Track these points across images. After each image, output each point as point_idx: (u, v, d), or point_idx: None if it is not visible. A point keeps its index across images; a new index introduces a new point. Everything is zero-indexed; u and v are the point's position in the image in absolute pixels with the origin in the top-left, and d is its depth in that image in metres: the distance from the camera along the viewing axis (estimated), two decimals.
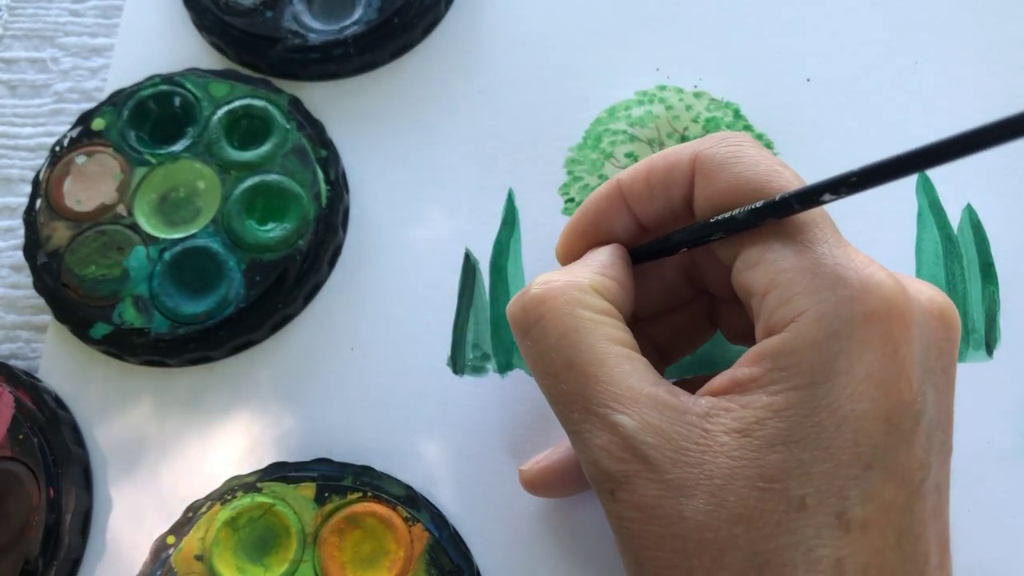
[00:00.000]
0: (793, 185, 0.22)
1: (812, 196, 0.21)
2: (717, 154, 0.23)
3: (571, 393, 0.22)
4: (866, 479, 0.20)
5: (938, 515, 0.21)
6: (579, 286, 0.23)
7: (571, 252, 0.27)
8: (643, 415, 0.21)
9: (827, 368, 0.20)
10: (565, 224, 0.27)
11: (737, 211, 0.22)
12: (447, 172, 0.34)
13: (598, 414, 0.22)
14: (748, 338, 0.26)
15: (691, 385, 0.23)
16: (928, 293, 0.22)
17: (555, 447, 0.28)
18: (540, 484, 0.28)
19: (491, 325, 0.32)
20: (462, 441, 0.30)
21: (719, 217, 0.23)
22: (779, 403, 0.20)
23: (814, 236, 0.21)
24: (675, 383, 0.27)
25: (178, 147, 0.33)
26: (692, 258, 0.27)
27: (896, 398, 0.20)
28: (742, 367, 0.21)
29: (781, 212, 0.22)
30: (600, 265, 0.25)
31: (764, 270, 0.22)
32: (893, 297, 0.20)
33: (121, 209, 0.32)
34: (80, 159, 0.33)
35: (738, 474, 0.20)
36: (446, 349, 0.32)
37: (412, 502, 0.29)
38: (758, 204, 0.22)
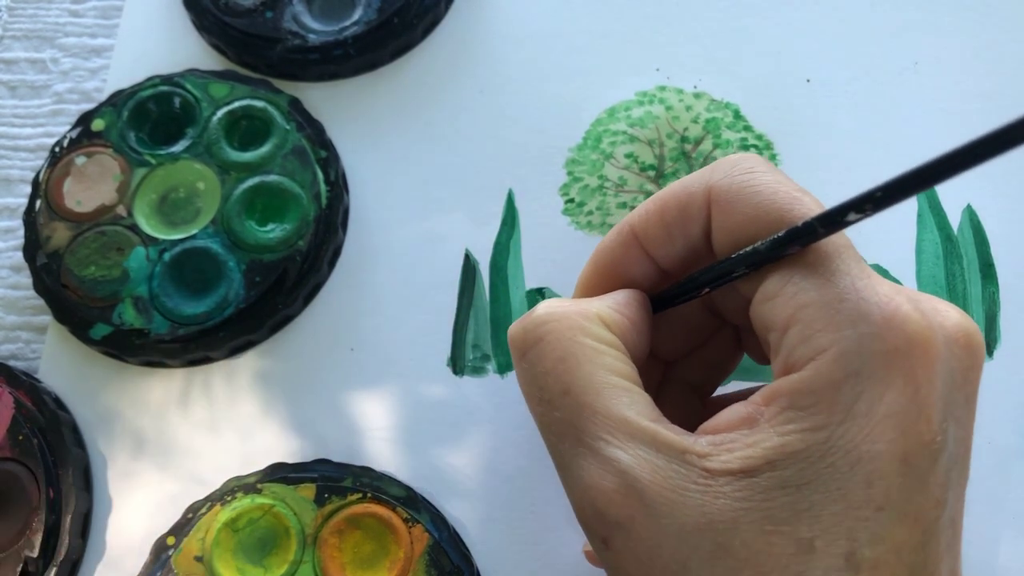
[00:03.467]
0: (814, 210, 0.21)
1: (836, 217, 0.20)
2: (732, 184, 0.22)
3: (564, 422, 0.21)
4: (877, 520, 0.19)
5: (951, 549, 0.20)
6: (585, 314, 0.22)
7: (590, 296, 0.25)
8: (639, 451, 0.20)
9: (846, 409, 0.19)
10: (579, 275, 0.26)
11: (760, 243, 0.21)
12: (447, 172, 0.34)
13: (591, 447, 0.20)
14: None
15: (722, 404, 0.22)
16: (954, 318, 0.21)
17: None
18: None
19: (491, 325, 0.32)
20: (462, 441, 0.30)
21: (742, 252, 0.22)
22: (793, 444, 0.19)
23: (836, 267, 0.20)
24: (714, 398, 0.27)
25: (178, 148, 0.33)
26: (710, 294, 0.26)
27: (915, 439, 0.19)
28: (754, 404, 0.20)
29: (805, 239, 0.20)
30: (612, 301, 0.24)
31: (784, 304, 0.21)
32: (917, 333, 0.19)
33: (121, 210, 0.32)
34: (80, 160, 0.33)
35: (743, 517, 0.19)
36: (446, 349, 0.32)
37: (412, 503, 0.29)
38: (780, 234, 0.21)
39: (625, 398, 0.21)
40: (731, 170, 0.22)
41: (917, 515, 0.19)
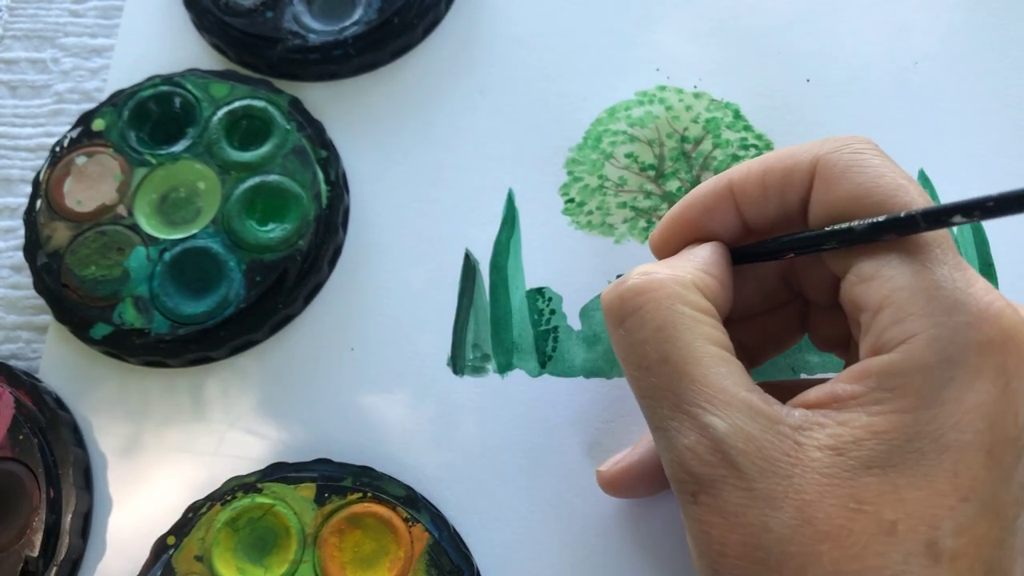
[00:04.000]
0: (918, 202, 0.21)
1: (941, 216, 0.20)
2: (840, 160, 0.22)
3: (662, 388, 0.22)
4: (961, 511, 0.19)
5: None
6: (682, 281, 0.23)
7: (669, 245, 0.26)
8: (736, 419, 0.21)
9: (935, 394, 0.19)
10: (666, 214, 0.26)
11: (856, 223, 0.21)
12: (447, 172, 0.34)
13: (689, 413, 0.21)
14: (837, 347, 0.26)
15: (773, 391, 0.22)
16: None
17: (633, 446, 0.28)
18: (620, 485, 0.27)
19: (491, 325, 0.32)
20: (462, 441, 0.30)
21: (836, 227, 0.22)
22: (880, 424, 0.20)
23: (935, 256, 0.21)
24: (763, 385, 0.27)
25: (178, 148, 0.33)
26: (793, 263, 0.26)
27: (1001, 432, 0.19)
28: (843, 383, 0.21)
29: (904, 229, 0.21)
30: (703, 262, 0.24)
31: (879, 286, 0.21)
32: (1012, 328, 0.20)
33: (121, 210, 0.32)
34: (80, 160, 0.33)
35: (829, 492, 0.19)
36: (446, 349, 0.32)
37: (412, 502, 0.29)
38: (880, 219, 0.21)
39: (723, 368, 0.21)
40: (842, 147, 0.23)
41: (998, 511, 0.19)
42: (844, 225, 0.22)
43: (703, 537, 0.21)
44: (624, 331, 0.23)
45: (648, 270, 0.23)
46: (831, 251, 0.22)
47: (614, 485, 0.28)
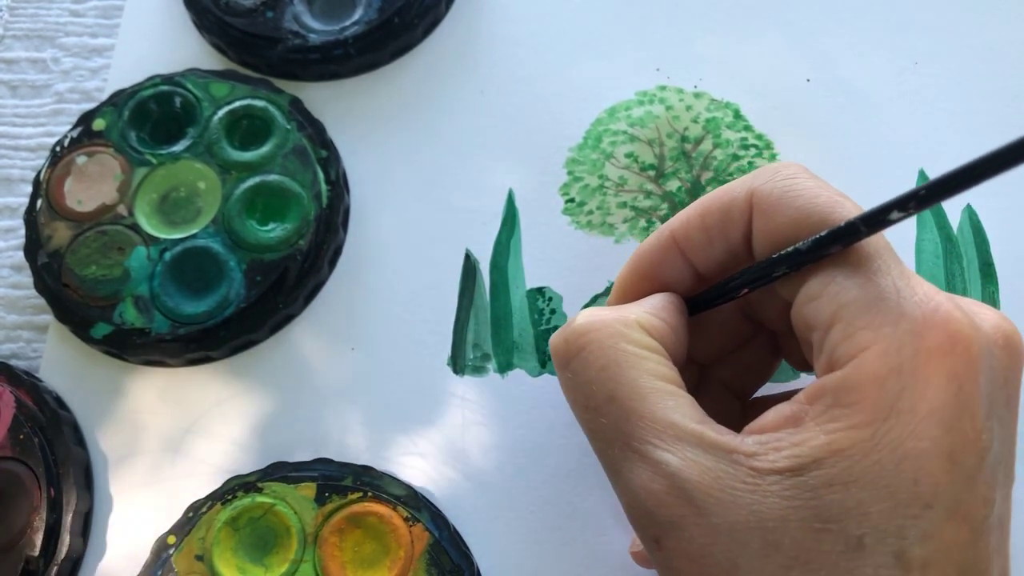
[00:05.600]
0: (855, 214, 0.21)
1: (879, 216, 0.20)
2: (775, 189, 0.22)
3: (611, 428, 0.22)
4: (926, 518, 0.19)
5: (1000, 549, 0.21)
6: (625, 321, 0.23)
7: (623, 302, 0.26)
8: (687, 453, 0.20)
9: (889, 405, 0.19)
10: (616, 276, 0.26)
11: (801, 244, 0.21)
12: (447, 172, 0.34)
13: (639, 451, 0.21)
14: (812, 367, 0.26)
15: (767, 404, 0.22)
16: (992, 320, 0.21)
17: None
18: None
19: (491, 325, 0.32)
20: (462, 441, 0.30)
21: (783, 252, 0.22)
22: (838, 441, 0.19)
23: (877, 268, 0.21)
24: (749, 405, 0.27)
25: (179, 147, 0.33)
26: (748, 297, 0.26)
27: (959, 436, 0.19)
28: (799, 403, 0.20)
29: (847, 238, 0.21)
30: (650, 306, 0.24)
31: (827, 303, 0.21)
32: (958, 331, 0.20)
33: (122, 209, 0.32)
34: (81, 159, 0.33)
35: (792, 515, 0.19)
36: (446, 349, 0.32)
37: (412, 502, 0.29)
38: (823, 233, 0.21)
39: (670, 401, 0.21)
40: (773, 176, 0.23)
41: (966, 514, 0.19)
42: (789, 249, 0.22)
43: None
44: (570, 373, 0.23)
45: (592, 312, 0.23)
46: (783, 278, 0.22)
47: (648, 561, 0.27)
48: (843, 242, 0.21)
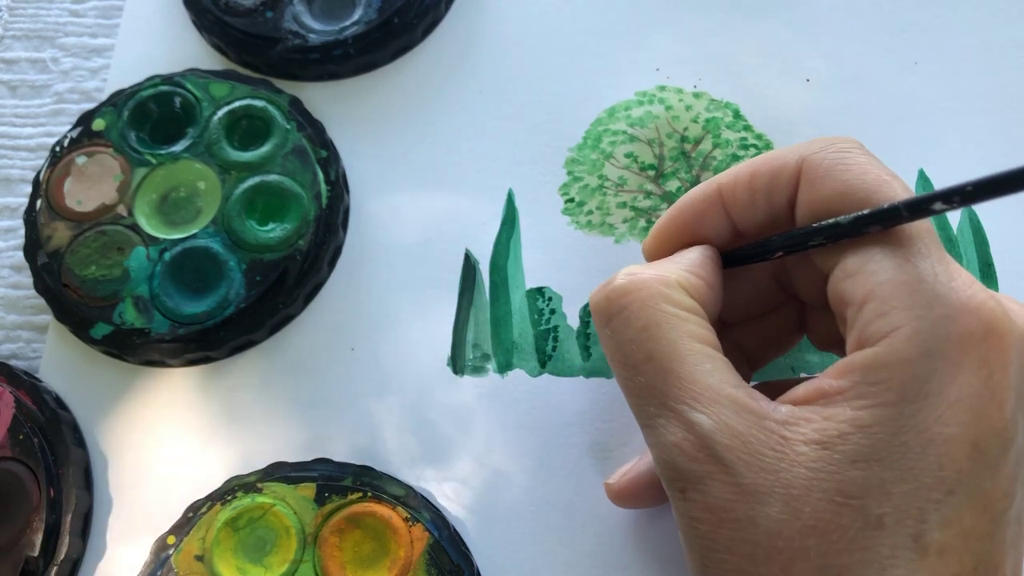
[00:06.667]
0: (901, 195, 0.21)
1: (923, 205, 0.20)
2: (825, 159, 0.23)
3: (648, 387, 0.22)
4: (947, 504, 0.19)
5: (1016, 544, 0.21)
6: (666, 280, 0.23)
7: (660, 251, 0.26)
8: (721, 415, 0.21)
9: (918, 387, 0.19)
10: (657, 221, 0.26)
11: (842, 217, 0.22)
12: (447, 172, 0.34)
13: (675, 410, 0.21)
14: (836, 346, 0.26)
15: (771, 390, 0.22)
16: None
17: (640, 457, 0.28)
18: (628, 496, 0.28)
19: (491, 325, 0.32)
20: (462, 441, 0.30)
21: (823, 223, 0.22)
22: (865, 418, 0.20)
23: (918, 250, 0.21)
24: (755, 386, 0.27)
25: (178, 147, 0.33)
26: (784, 264, 0.26)
27: (986, 424, 0.19)
28: (828, 378, 0.21)
29: (888, 221, 0.21)
30: (689, 263, 0.24)
31: (863, 281, 0.21)
32: (993, 320, 0.20)
33: (121, 209, 0.32)
34: (80, 159, 0.33)
35: (815, 486, 0.19)
36: (446, 349, 0.32)
37: (412, 502, 0.29)
38: (865, 211, 0.21)
39: (708, 364, 0.22)
40: (826, 147, 0.23)
41: (986, 503, 0.20)
42: (830, 220, 0.22)
43: (692, 532, 0.21)
44: (611, 331, 0.23)
45: (634, 271, 0.24)
46: (819, 249, 0.23)
47: (623, 496, 0.28)
48: (883, 223, 0.21)
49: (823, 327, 0.26)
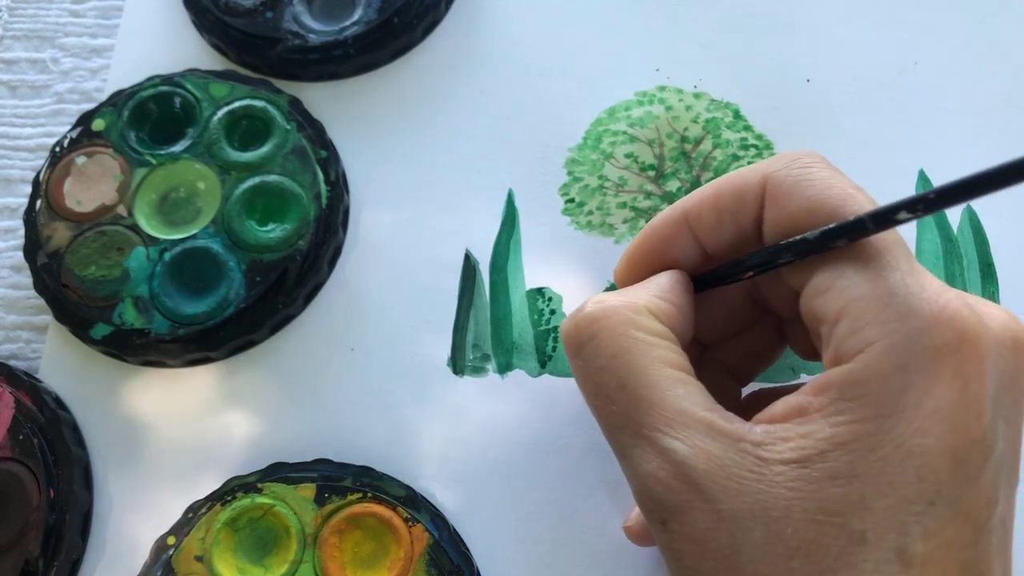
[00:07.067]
0: (867, 207, 0.21)
1: (887, 215, 0.20)
2: (788, 176, 0.22)
3: (622, 415, 0.22)
4: (929, 515, 0.19)
5: (1002, 549, 0.21)
6: (634, 307, 0.23)
7: (630, 277, 0.26)
8: (695, 440, 0.20)
9: (894, 401, 0.19)
10: (625, 248, 0.26)
11: (809, 233, 0.22)
12: (447, 172, 0.34)
13: (648, 438, 0.21)
14: (820, 356, 0.26)
15: (769, 396, 0.22)
16: (1002, 319, 0.21)
17: None
18: (647, 536, 0.27)
19: (491, 325, 0.32)
20: (462, 441, 0.30)
21: (790, 240, 0.22)
22: (843, 435, 0.20)
23: (887, 263, 0.21)
24: (752, 394, 0.27)
25: (178, 148, 0.33)
26: (756, 281, 0.26)
27: (964, 434, 0.19)
28: (805, 395, 0.21)
29: (855, 233, 0.21)
30: (658, 288, 0.24)
31: (835, 297, 0.21)
32: (966, 330, 0.20)
33: (121, 210, 0.32)
34: (80, 160, 0.33)
35: (796, 506, 0.19)
36: (446, 349, 0.32)
37: (412, 503, 0.29)
38: (831, 225, 0.21)
39: (680, 389, 0.21)
40: (789, 163, 0.23)
41: (968, 512, 0.19)
42: (797, 237, 0.22)
43: (677, 564, 0.21)
44: (581, 360, 0.23)
45: (602, 299, 0.23)
46: (789, 266, 0.22)
47: (642, 537, 0.27)
48: (850, 236, 0.21)
49: (803, 339, 0.26)
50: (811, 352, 0.26)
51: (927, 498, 0.19)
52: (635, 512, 0.28)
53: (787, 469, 0.20)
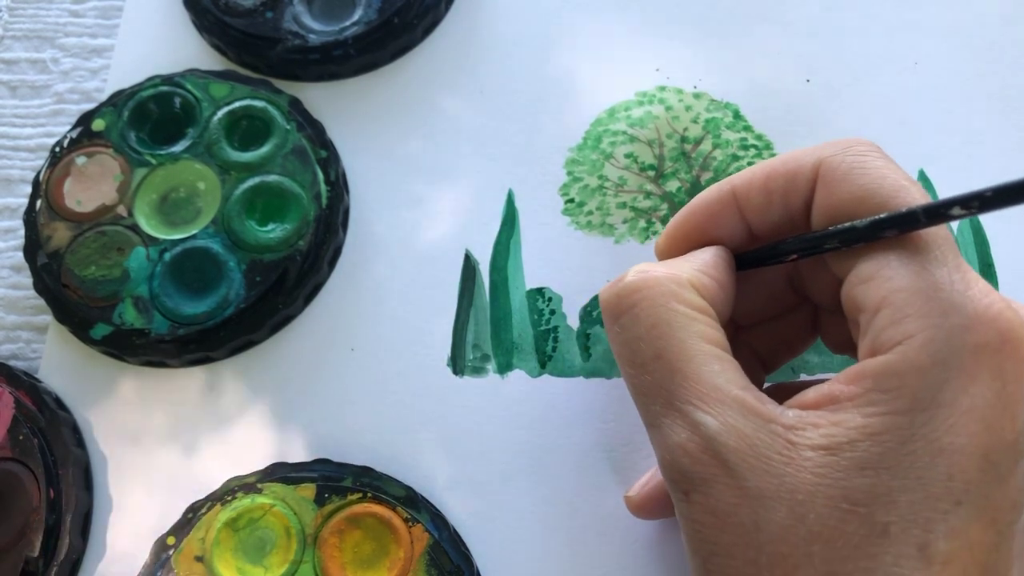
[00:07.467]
0: (919, 200, 0.21)
1: (941, 210, 0.20)
2: (843, 163, 0.22)
3: (655, 386, 0.22)
4: (955, 515, 0.19)
5: (1022, 554, 0.20)
6: (677, 279, 0.23)
7: (673, 250, 0.26)
8: (727, 417, 0.20)
9: (930, 396, 0.19)
10: (670, 221, 0.26)
11: (858, 221, 0.21)
12: (447, 172, 0.34)
13: (681, 410, 0.21)
14: (851, 349, 0.25)
15: (778, 393, 0.22)
16: None
17: (656, 467, 0.28)
18: (648, 507, 0.27)
19: (491, 325, 0.32)
20: (462, 441, 0.30)
21: (838, 227, 0.22)
22: (874, 426, 0.19)
23: (934, 257, 0.20)
24: (768, 388, 0.27)
25: (178, 148, 0.33)
26: (798, 266, 0.26)
27: (997, 436, 0.19)
28: (839, 384, 0.20)
29: (905, 225, 0.21)
30: (702, 263, 0.24)
31: (877, 287, 0.21)
32: (1009, 331, 0.20)
33: (121, 210, 0.32)
34: (80, 160, 0.33)
35: (821, 492, 0.19)
36: (446, 349, 0.32)
37: (412, 503, 0.29)
38: (882, 215, 0.21)
39: (716, 365, 0.21)
40: (845, 149, 0.23)
41: (994, 515, 0.19)
42: (846, 224, 0.22)
43: (695, 536, 0.21)
44: (619, 328, 0.23)
45: (645, 268, 0.23)
46: (834, 253, 0.22)
47: (643, 508, 0.27)
48: (900, 228, 0.21)
49: (837, 331, 0.26)
50: (842, 345, 0.26)
51: (954, 497, 0.19)
52: (638, 484, 0.28)
53: (815, 455, 0.20)
